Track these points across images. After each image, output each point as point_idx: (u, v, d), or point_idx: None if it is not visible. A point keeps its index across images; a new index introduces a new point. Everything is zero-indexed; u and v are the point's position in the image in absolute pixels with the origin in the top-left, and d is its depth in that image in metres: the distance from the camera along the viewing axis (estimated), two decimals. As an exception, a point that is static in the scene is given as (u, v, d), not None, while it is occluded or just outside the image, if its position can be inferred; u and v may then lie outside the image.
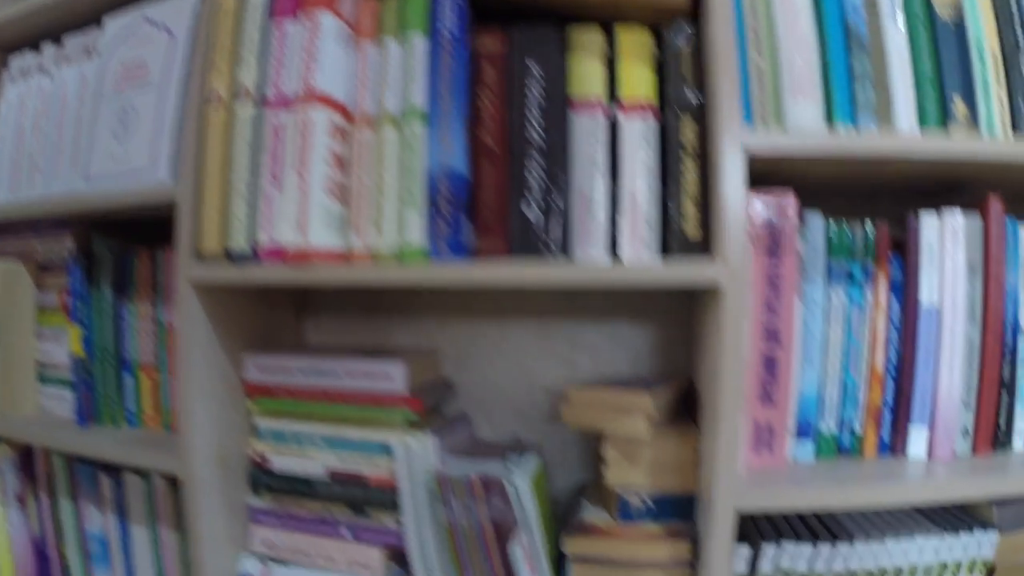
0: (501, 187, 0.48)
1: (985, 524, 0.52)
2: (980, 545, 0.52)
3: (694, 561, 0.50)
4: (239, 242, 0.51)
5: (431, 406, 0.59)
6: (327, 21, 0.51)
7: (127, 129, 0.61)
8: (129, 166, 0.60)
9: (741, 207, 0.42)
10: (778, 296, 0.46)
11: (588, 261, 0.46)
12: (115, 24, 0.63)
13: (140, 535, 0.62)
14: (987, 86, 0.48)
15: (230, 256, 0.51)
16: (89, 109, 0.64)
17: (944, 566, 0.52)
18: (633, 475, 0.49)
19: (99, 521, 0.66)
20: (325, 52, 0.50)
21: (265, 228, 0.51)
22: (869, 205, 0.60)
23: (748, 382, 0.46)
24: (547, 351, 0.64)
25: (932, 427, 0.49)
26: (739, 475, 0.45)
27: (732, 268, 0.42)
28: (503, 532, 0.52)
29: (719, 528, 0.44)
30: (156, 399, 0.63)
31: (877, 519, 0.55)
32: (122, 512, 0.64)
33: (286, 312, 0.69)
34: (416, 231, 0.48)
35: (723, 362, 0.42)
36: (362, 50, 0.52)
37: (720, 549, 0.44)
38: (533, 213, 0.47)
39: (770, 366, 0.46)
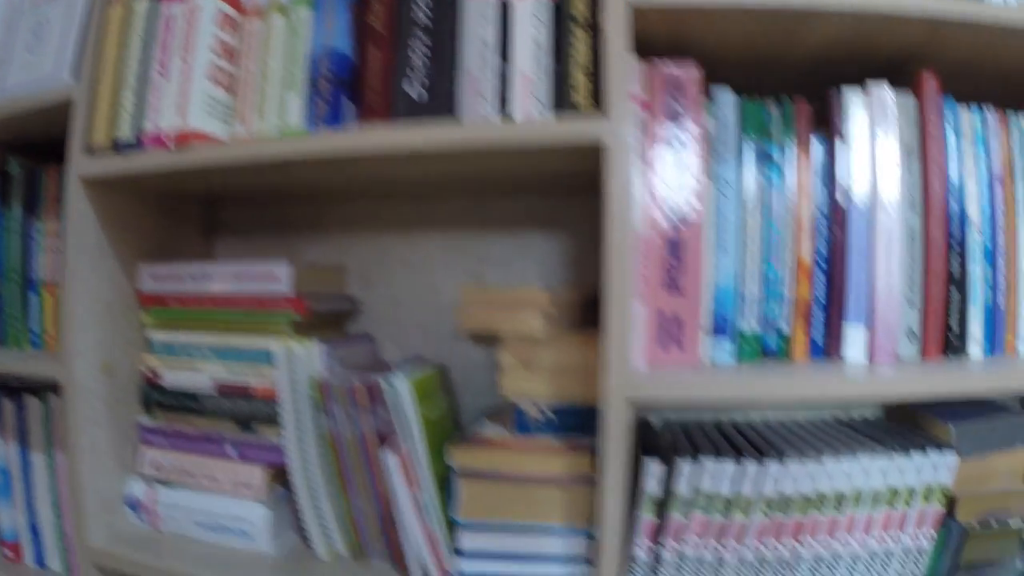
0: (386, 68, 0.45)
1: (941, 444, 0.45)
2: (936, 468, 0.45)
3: (595, 477, 0.43)
4: (125, 132, 0.49)
5: (326, 317, 0.56)
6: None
7: (39, 40, 0.60)
8: (37, 74, 0.59)
9: (626, 66, 0.38)
10: (682, 174, 0.42)
11: (474, 121, 0.42)
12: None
13: (39, 462, 0.59)
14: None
15: (115, 146, 0.50)
16: (11, 28, 0.65)
17: (895, 492, 0.45)
18: (531, 383, 0.44)
19: (1, 451, 0.63)
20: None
21: (151, 116, 0.49)
22: (790, 88, 0.54)
23: (650, 267, 0.41)
24: (455, 265, 0.60)
25: (871, 327, 0.43)
26: (636, 366, 0.40)
27: (616, 126, 0.38)
28: (386, 441, 0.47)
29: (612, 427, 0.38)
30: (56, 316, 0.61)
31: (814, 439, 0.48)
32: (23, 439, 0.61)
33: (193, 229, 0.66)
34: (296, 113, 0.46)
35: (612, 229, 0.38)
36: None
37: (614, 453, 0.38)
38: (416, 91, 0.44)
39: (675, 250, 0.41)
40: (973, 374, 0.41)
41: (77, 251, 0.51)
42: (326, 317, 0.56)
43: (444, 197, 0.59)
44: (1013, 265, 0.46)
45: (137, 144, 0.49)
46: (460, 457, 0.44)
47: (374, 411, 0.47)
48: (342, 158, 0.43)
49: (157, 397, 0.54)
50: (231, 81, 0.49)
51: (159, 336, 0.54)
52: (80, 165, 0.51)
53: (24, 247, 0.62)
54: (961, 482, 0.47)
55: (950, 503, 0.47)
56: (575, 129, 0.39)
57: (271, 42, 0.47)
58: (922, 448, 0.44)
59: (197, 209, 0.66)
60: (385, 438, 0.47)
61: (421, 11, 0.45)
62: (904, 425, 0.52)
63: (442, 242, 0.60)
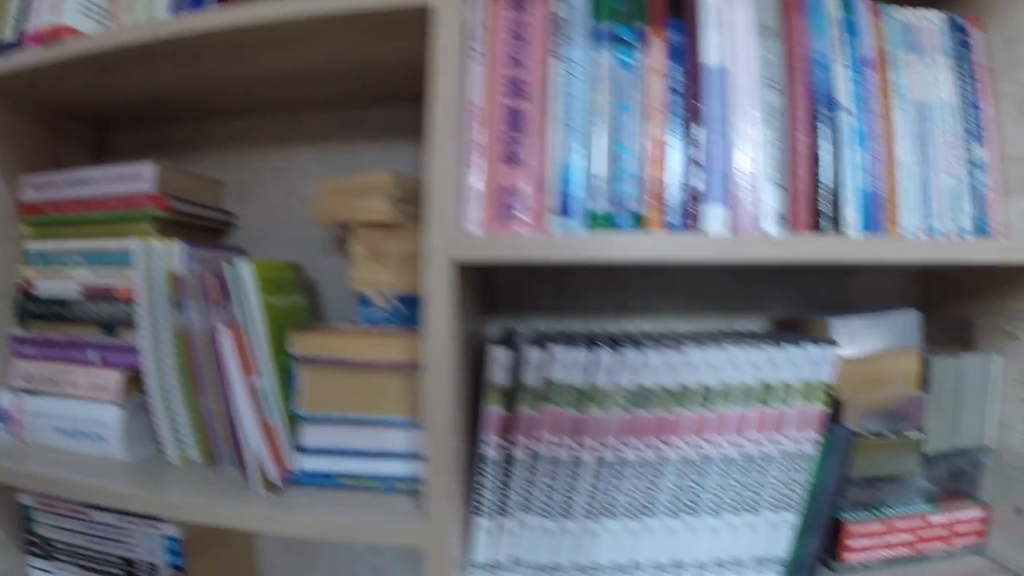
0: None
1: (818, 340, 0.42)
2: (814, 363, 0.41)
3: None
4: (7, 33, 0.51)
5: (202, 229, 0.55)
6: None
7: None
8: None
9: None
10: (525, 49, 0.41)
11: None
12: None
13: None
14: None
15: (0, 48, 0.51)
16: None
17: (769, 388, 0.42)
18: (380, 273, 0.43)
19: None
20: None
21: (31, 18, 0.50)
22: None
23: (489, 140, 0.39)
24: (326, 176, 0.57)
25: (732, 208, 0.40)
26: (469, 231, 0.38)
27: None
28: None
29: (435, 288, 0.36)
30: None
31: (675, 338, 0.46)
32: None
33: (81, 153, 0.65)
34: (162, 6, 0.47)
35: (438, 82, 0.36)
36: None
37: (438, 320, 0.36)
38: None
39: (515, 122, 0.40)
40: (842, 242, 0.38)
41: None
42: (197, 225, 0.55)
43: (315, 109, 0.59)
44: (891, 151, 0.43)
45: (18, 44, 0.50)
46: (301, 344, 0.42)
47: (227, 307, 0.45)
48: (204, 35, 0.43)
49: (31, 308, 0.53)
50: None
51: (35, 246, 0.54)
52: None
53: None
54: (847, 385, 0.43)
55: (836, 407, 0.44)
56: None
57: None
58: (796, 343, 0.41)
59: (84, 130, 0.66)
60: (232, 327, 0.45)
61: None
62: (791, 333, 0.49)
63: (314, 155, 0.59)
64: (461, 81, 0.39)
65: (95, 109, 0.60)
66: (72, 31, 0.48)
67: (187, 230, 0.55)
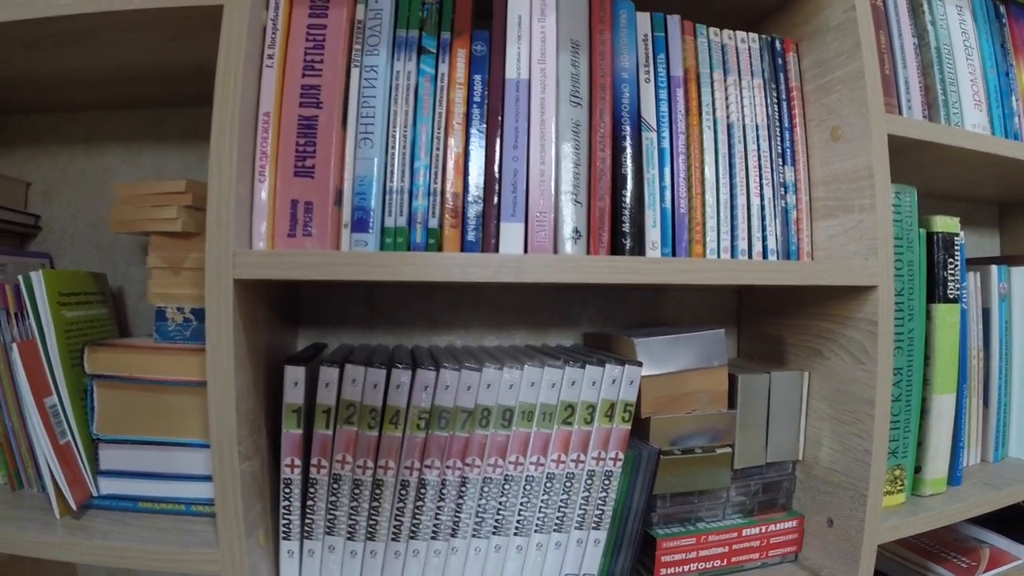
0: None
1: (623, 360, 0.43)
2: (616, 382, 0.43)
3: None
4: None
5: (4, 234, 0.52)
6: None
7: None
8: None
9: None
10: (323, 56, 0.41)
11: None
12: None
13: None
14: None
15: None
16: None
17: (570, 407, 0.43)
18: (177, 287, 0.42)
19: None
20: None
21: None
22: None
23: (280, 149, 0.39)
24: (134, 179, 0.57)
25: (528, 224, 0.42)
26: (250, 248, 0.37)
27: None
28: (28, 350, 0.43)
29: (215, 308, 0.35)
30: None
31: (487, 357, 0.47)
32: None
33: None
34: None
35: (218, 88, 0.36)
36: None
37: (218, 343, 0.35)
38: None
39: (307, 132, 0.40)
40: (638, 263, 0.39)
41: None
42: (2, 231, 0.53)
43: (124, 108, 0.58)
44: (697, 171, 0.45)
45: None
46: (93, 361, 0.41)
47: (23, 320, 0.44)
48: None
49: None
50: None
51: None
52: None
53: None
54: (653, 402, 0.45)
55: (642, 425, 0.46)
56: None
57: None
58: (599, 363, 0.43)
59: None
60: (25, 344, 0.43)
61: None
62: (598, 349, 0.51)
63: (122, 156, 0.58)
64: (249, 87, 0.38)
65: None
66: None
67: None
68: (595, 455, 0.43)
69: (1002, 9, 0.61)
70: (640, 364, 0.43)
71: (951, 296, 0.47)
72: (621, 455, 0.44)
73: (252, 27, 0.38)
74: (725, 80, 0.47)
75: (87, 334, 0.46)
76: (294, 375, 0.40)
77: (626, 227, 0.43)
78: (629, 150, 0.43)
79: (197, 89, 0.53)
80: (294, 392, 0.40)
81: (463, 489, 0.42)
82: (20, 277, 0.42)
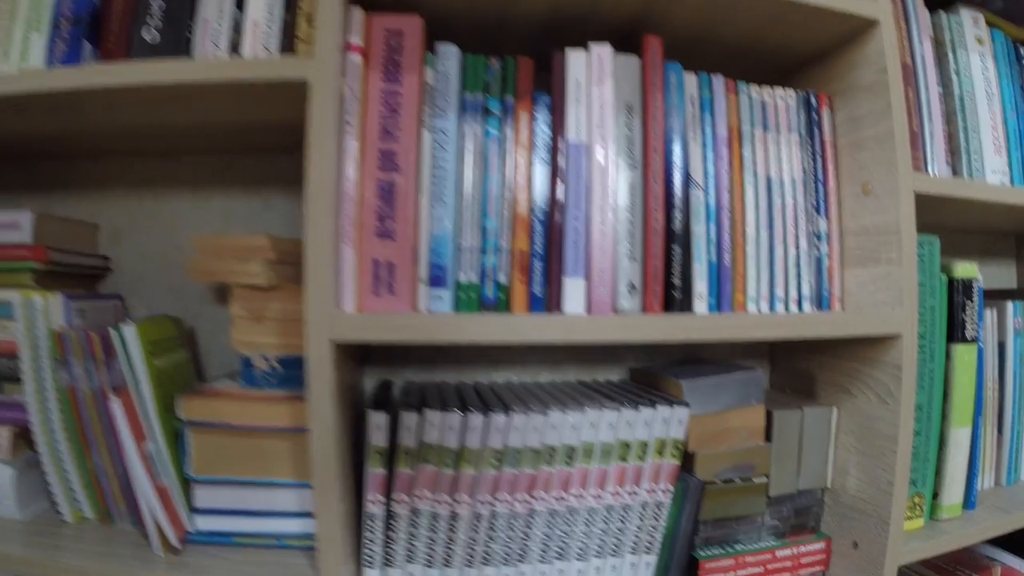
0: (127, 12, 0.48)
1: (672, 400, 0.49)
2: (667, 422, 0.48)
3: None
4: None
5: (77, 276, 0.57)
6: None
7: None
8: None
9: (337, 11, 0.42)
10: (398, 122, 0.45)
11: (198, 58, 0.45)
12: None
13: None
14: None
15: None
16: None
17: (626, 446, 0.48)
18: (260, 335, 0.46)
19: None
20: None
21: None
22: (520, 51, 0.57)
23: (362, 212, 0.43)
24: (203, 224, 0.62)
25: (589, 280, 0.46)
26: (345, 309, 0.42)
27: (321, 64, 0.41)
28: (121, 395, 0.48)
29: (315, 367, 0.40)
30: None
31: (548, 399, 0.52)
32: None
33: None
34: (37, 54, 0.48)
35: (313, 166, 0.40)
36: None
37: (320, 395, 0.40)
38: (152, 36, 0.47)
39: (387, 196, 0.44)
40: (690, 322, 0.44)
41: None
42: (75, 273, 0.57)
43: (193, 154, 0.62)
44: (739, 225, 0.50)
45: None
46: (188, 408, 0.46)
47: (110, 364, 0.48)
48: (78, 92, 0.45)
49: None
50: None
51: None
52: None
53: None
54: (698, 438, 0.50)
55: (688, 459, 0.51)
56: (282, 67, 0.42)
57: None
58: (652, 403, 0.48)
59: None
60: (120, 389, 0.48)
61: None
62: (646, 386, 0.56)
63: (190, 201, 0.62)
64: (336, 157, 0.42)
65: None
66: None
67: (65, 278, 0.56)
68: (647, 487, 0.49)
69: (1022, 51, 0.66)
70: (688, 405, 0.48)
71: (969, 337, 0.53)
72: (670, 487, 0.49)
73: (337, 100, 0.42)
74: (765, 136, 0.52)
75: (173, 379, 0.50)
76: (378, 420, 0.45)
77: (676, 280, 0.48)
78: (679, 208, 0.48)
79: (266, 138, 0.57)
80: (378, 435, 0.45)
81: (530, 519, 0.47)
82: (112, 331, 0.46)
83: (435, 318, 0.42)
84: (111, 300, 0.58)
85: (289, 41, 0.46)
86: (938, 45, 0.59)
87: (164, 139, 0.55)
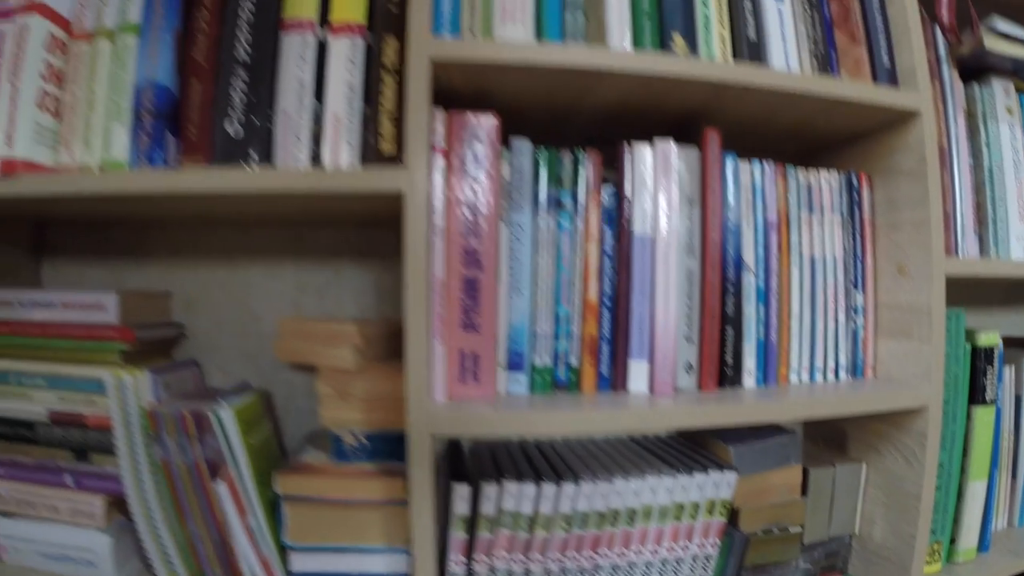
0: (206, 103, 0.51)
1: (722, 465, 0.56)
2: (717, 486, 0.55)
3: (408, 500, 0.51)
4: (-50, 160, 0.54)
5: (153, 345, 0.62)
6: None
7: None
8: None
9: (426, 117, 0.46)
10: (479, 220, 0.50)
11: (287, 167, 0.49)
12: None
13: None
14: (708, 24, 0.54)
15: (-59, 174, 0.54)
16: None
17: (681, 507, 0.55)
18: (347, 412, 0.52)
19: None
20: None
21: (-24, 144, 0.54)
22: (587, 138, 0.65)
23: (450, 308, 0.49)
24: (275, 293, 0.67)
25: (652, 361, 0.53)
26: (437, 402, 0.48)
27: (414, 176, 0.46)
28: (219, 474, 0.54)
29: (417, 457, 0.46)
30: None
31: (609, 462, 0.58)
32: None
33: (21, 252, 0.70)
34: (120, 145, 0.52)
35: (410, 274, 0.45)
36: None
37: (421, 480, 0.46)
38: (235, 128, 0.51)
39: (472, 291, 0.50)
40: (742, 407, 0.51)
41: None
42: (153, 344, 0.62)
43: (265, 227, 0.67)
44: (785, 305, 0.57)
45: None
46: (285, 484, 0.52)
47: (202, 439, 0.54)
48: (161, 195, 0.49)
49: (-10, 426, 0.59)
50: (58, 106, 0.54)
51: (-10, 364, 0.59)
52: (-97, 193, 0.55)
53: None
54: (742, 496, 0.58)
55: (733, 514, 0.58)
56: (376, 179, 0.47)
57: (97, 68, 0.53)
58: (704, 468, 0.55)
59: (24, 230, 0.70)
60: (214, 465, 0.54)
61: (242, 47, 0.52)
62: (692, 444, 0.63)
63: (263, 270, 0.67)
64: (428, 260, 0.47)
65: (36, 213, 0.65)
66: (28, 166, 0.52)
67: (148, 352, 0.61)
68: (698, 542, 0.56)
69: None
70: (736, 470, 0.55)
71: (989, 400, 0.60)
72: (718, 541, 0.56)
73: (427, 205, 0.47)
74: (811, 219, 0.58)
75: (264, 452, 0.56)
76: (462, 492, 0.51)
77: (729, 359, 0.54)
78: (732, 292, 0.54)
79: (337, 214, 0.61)
80: (462, 505, 0.51)
81: (595, 573, 0.55)
82: (211, 414, 0.52)
83: (519, 416, 0.47)
84: (189, 368, 0.64)
85: (373, 136, 0.50)
86: (970, 118, 0.64)
87: (238, 215, 0.59)
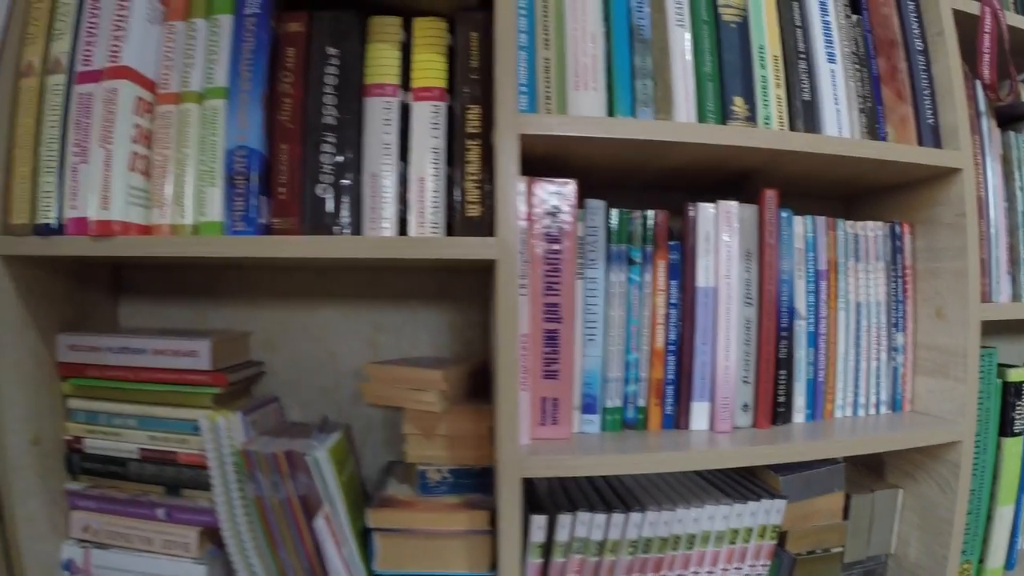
0: (296, 168, 0.57)
1: (773, 494, 0.63)
2: (768, 513, 0.63)
3: (493, 530, 0.60)
4: (47, 216, 0.59)
5: (239, 385, 0.68)
6: (137, -4, 0.59)
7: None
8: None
9: (515, 190, 0.54)
10: (559, 277, 0.56)
11: (376, 235, 0.56)
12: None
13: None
14: (767, 86, 0.60)
15: (38, 229, 0.59)
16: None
17: (735, 532, 0.64)
18: (431, 449, 0.60)
19: None
20: (134, 27, 0.59)
21: (71, 202, 0.59)
22: (655, 197, 0.73)
23: (531, 358, 0.57)
24: (353, 332, 0.75)
25: (713, 402, 0.60)
26: (523, 445, 0.56)
27: (505, 245, 0.53)
28: (310, 507, 0.62)
29: (507, 496, 0.54)
30: None
31: (670, 491, 0.67)
32: None
33: (101, 292, 0.77)
34: (214, 207, 0.57)
35: (501, 334, 0.53)
36: (171, 26, 0.61)
37: (509, 516, 0.55)
38: (324, 191, 0.56)
39: (552, 342, 0.57)
40: (793, 447, 0.58)
41: (1, 328, 0.60)
42: (239, 383, 0.69)
43: (343, 271, 0.74)
44: (832, 347, 0.65)
45: (59, 229, 0.58)
46: (376, 518, 0.60)
47: (294, 476, 0.60)
48: (256, 260, 0.54)
49: (81, 463, 0.66)
50: (148, 166, 0.60)
51: (79, 404, 0.65)
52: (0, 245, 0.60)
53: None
54: (790, 520, 0.66)
55: (782, 537, 0.66)
56: (467, 247, 0.54)
57: (187, 131, 0.59)
58: (757, 497, 0.63)
59: (103, 272, 0.77)
60: (307, 500, 0.60)
61: (327, 111, 0.57)
62: (747, 473, 0.71)
63: (340, 311, 0.74)
64: (517, 320, 0.54)
65: (117, 258, 0.71)
66: (124, 227, 0.57)
67: (234, 392, 0.68)
68: (750, 563, 0.64)
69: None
70: (786, 498, 0.62)
71: (1018, 431, 0.68)
72: (767, 562, 0.64)
73: (516, 269, 0.54)
74: (856, 267, 0.65)
75: (351, 487, 0.64)
76: (539, 522, 0.58)
77: (781, 397, 0.61)
78: (785, 337, 0.61)
79: (417, 263, 0.67)
80: (538, 534, 0.58)
81: (657, 594, 0.62)
82: (307, 456, 0.59)
83: (598, 459, 0.55)
84: (271, 404, 0.71)
85: (460, 199, 0.57)
86: (1005, 163, 0.71)
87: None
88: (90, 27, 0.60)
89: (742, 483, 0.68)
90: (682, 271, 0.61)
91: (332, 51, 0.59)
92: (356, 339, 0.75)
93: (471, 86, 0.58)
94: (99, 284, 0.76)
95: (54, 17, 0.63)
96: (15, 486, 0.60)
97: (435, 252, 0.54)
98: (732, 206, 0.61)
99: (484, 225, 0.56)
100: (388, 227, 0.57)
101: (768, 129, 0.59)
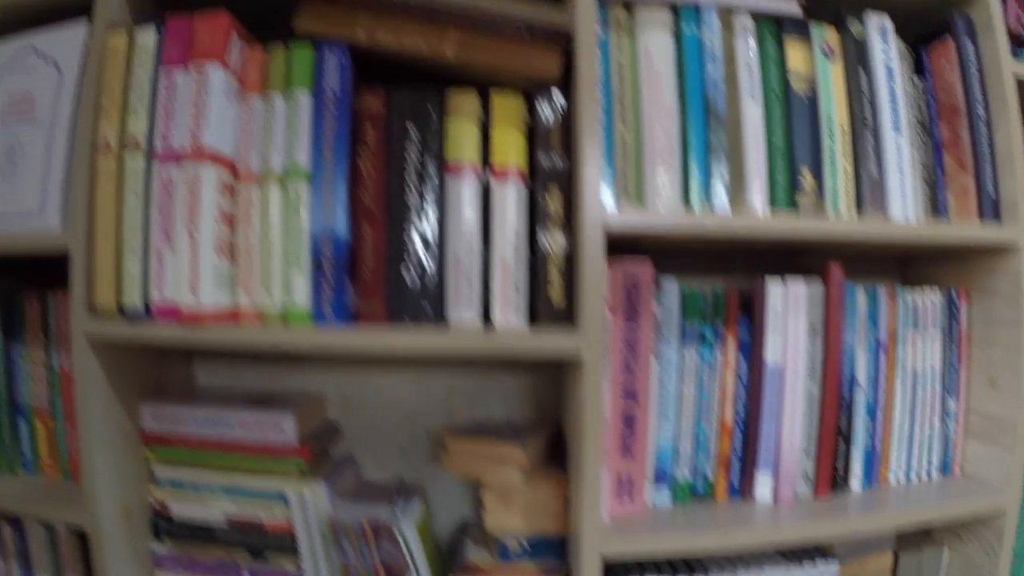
0: (380, 249, 0.61)
1: (827, 555, 0.69)
2: (822, 574, 0.68)
3: None
4: (132, 299, 0.63)
5: (319, 451, 0.74)
6: (215, 75, 0.61)
7: (15, 167, 0.70)
8: (17, 208, 0.69)
9: (601, 282, 0.58)
10: (635, 358, 0.61)
11: (462, 326, 0.61)
12: (1, 51, 0.72)
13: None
14: (834, 158, 0.63)
15: (123, 312, 0.63)
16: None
17: None
18: (509, 520, 0.66)
19: (2, 572, 0.76)
20: (214, 107, 0.61)
21: (158, 286, 0.62)
22: (722, 270, 0.78)
23: (609, 438, 0.63)
24: (427, 396, 0.81)
25: (776, 473, 0.66)
26: (602, 525, 0.61)
27: (592, 341, 0.58)
28: (394, 573, 0.67)
29: (586, 572, 0.60)
30: (53, 446, 0.76)
31: (731, 552, 0.72)
32: (26, 562, 0.75)
33: (177, 357, 0.82)
34: (301, 292, 0.61)
35: (586, 425, 0.58)
36: (248, 104, 0.63)
37: None
38: (410, 276, 0.59)
39: (629, 423, 0.61)
40: (851, 521, 0.63)
41: (87, 404, 0.66)
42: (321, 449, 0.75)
43: None
44: (889, 416, 0.70)
45: (146, 313, 0.62)
46: None
47: (379, 545, 0.66)
48: (344, 348, 0.58)
49: (167, 527, 0.71)
50: (232, 249, 0.63)
51: (165, 472, 0.70)
52: (85, 324, 0.64)
53: (7, 372, 0.75)
54: (843, 580, 0.71)
55: (835, 596, 0.72)
56: (552, 341, 0.58)
57: (270, 214, 0.62)
58: (812, 559, 0.69)
59: None
60: (390, 567, 0.65)
61: (411, 192, 0.60)
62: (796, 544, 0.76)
63: (416, 376, 0.80)
64: (602, 409, 0.58)
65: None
66: (214, 316, 0.61)
67: (317, 460, 0.73)
68: (805, 619, 0.69)
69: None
70: (838, 559, 0.67)
71: (1057, 490, 0.73)
72: (822, 616, 0.70)
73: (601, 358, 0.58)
74: (915, 336, 0.69)
75: (432, 553, 0.70)
76: (615, 586, 0.63)
77: (840, 468, 0.66)
78: (845, 408, 0.65)
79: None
80: (618, 598, 0.63)
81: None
82: (395, 529, 0.65)
83: (673, 537, 0.60)
84: (349, 465, 0.77)
85: (538, 288, 0.60)
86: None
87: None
88: (167, 103, 0.62)
89: (799, 544, 0.73)
90: (751, 348, 0.66)
91: (412, 128, 0.61)
92: (431, 402, 0.81)
93: (550, 167, 0.60)
94: (176, 350, 0.80)
95: (128, 90, 0.66)
96: (107, 553, 0.65)
97: (515, 345, 0.57)
98: (800, 283, 0.66)
99: (567, 313, 0.59)
100: (472, 311, 0.60)
101: (838, 218, 0.64)
